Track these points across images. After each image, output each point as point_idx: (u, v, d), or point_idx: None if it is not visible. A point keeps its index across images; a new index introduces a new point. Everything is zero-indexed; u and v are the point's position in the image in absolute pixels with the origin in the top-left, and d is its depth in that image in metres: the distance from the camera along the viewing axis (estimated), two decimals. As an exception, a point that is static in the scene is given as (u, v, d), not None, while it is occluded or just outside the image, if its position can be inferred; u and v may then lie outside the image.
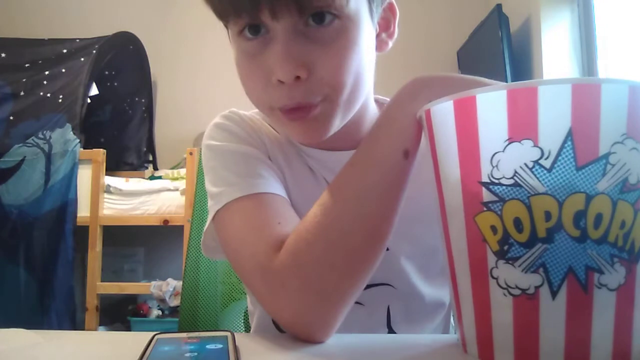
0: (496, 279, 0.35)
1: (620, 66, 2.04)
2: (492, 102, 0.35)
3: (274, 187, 0.55)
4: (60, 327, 2.23)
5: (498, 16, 2.25)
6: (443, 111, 0.38)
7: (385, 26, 0.59)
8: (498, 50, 2.24)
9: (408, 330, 0.62)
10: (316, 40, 0.49)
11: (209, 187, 0.58)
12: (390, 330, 0.62)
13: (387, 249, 0.61)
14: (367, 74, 0.55)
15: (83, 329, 2.25)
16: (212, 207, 0.56)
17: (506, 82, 0.46)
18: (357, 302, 0.53)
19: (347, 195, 0.47)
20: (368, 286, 0.60)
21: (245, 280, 0.52)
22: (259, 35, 0.51)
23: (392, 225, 0.48)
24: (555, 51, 2.18)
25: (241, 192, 0.53)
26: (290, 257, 0.47)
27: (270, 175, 0.57)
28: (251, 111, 0.66)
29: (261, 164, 0.57)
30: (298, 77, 0.49)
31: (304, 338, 0.47)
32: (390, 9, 0.60)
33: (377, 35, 0.58)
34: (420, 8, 2.92)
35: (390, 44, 0.60)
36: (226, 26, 0.55)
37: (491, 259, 0.35)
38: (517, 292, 0.34)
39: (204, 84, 3.06)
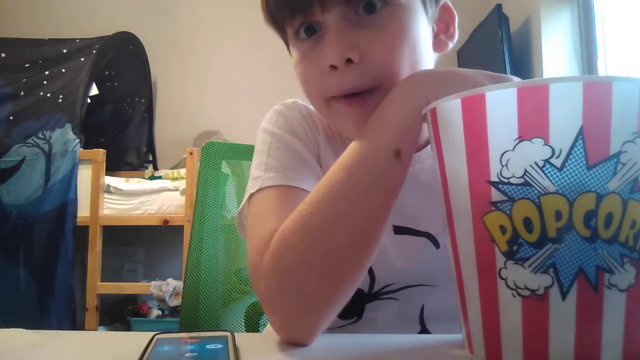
0: (505, 279, 0.35)
1: (620, 66, 2.04)
2: (501, 100, 0.34)
3: (309, 185, 0.55)
4: (60, 327, 2.23)
5: (498, 16, 2.25)
6: (450, 109, 0.38)
7: (444, 28, 0.60)
8: (498, 50, 2.23)
9: (439, 326, 0.61)
10: (367, 26, 0.50)
11: (252, 168, 0.59)
12: (423, 327, 0.61)
13: (438, 247, 0.58)
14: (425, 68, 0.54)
15: (83, 329, 2.25)
16: (249, 190, 0.57)
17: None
18: (390, 298, 0.51)
19: (332, 195, 0.45)
20: (407, 286, 0.59)
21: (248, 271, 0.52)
22: (314, 36, 0.53)
23: (382, 226, 0.45)
24: (555, 51, 2.18)
25: (275, 182, 0.54)
26: (273, 260, 0.46)
27: (311, 173, 0.57)
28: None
29: (305, 163, 0.58)
30: (350, 61, 0.49)
31: (287, 341, 0.46)
32: (446, 10, 0.60)
33: (436, 36, 0.59)
34: (420, 8, 2.92)
35: (451, 45, 0.60)
36: (284, 36, 0.58)
37: (500, 259, 0.35)
38: (526, 292, 0.34)
39: (204, 84, 3.06)
